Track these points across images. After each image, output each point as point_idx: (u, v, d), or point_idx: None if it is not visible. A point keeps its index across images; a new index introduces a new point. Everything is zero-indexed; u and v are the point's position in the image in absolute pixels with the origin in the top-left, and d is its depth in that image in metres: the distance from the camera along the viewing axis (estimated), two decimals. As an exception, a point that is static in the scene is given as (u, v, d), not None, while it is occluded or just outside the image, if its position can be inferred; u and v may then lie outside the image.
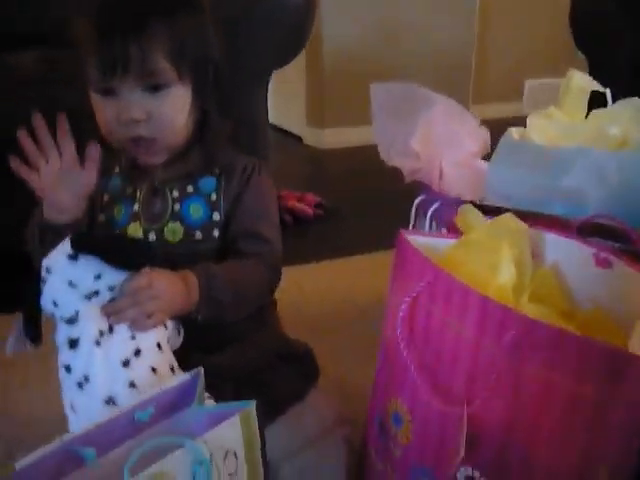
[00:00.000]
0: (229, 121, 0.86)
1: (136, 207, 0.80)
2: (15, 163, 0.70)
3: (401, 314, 0.53)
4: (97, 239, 0.67)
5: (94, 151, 0.71)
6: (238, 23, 1.30)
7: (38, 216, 0.75)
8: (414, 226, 1.01)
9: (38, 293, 0.63)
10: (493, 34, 2.93)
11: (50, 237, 0.73)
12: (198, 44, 0.76)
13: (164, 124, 0.76)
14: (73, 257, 0.62)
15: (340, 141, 2.57)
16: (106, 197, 0.81)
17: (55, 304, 0.63)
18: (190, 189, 0.81)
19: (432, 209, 0.96)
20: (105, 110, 0.75)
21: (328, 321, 1.15)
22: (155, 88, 0.74)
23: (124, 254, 0.64)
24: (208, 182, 0.82)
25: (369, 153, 1.10)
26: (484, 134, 1.00)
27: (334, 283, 1.31)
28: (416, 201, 1.02)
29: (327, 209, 1.74)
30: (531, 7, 2.93)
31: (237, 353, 0.79)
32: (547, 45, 2.93)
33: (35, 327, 0.64)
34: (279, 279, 0.83)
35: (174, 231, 0.80)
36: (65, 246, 0.63)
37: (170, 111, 0.76)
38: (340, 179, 2.19)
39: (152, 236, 0.79)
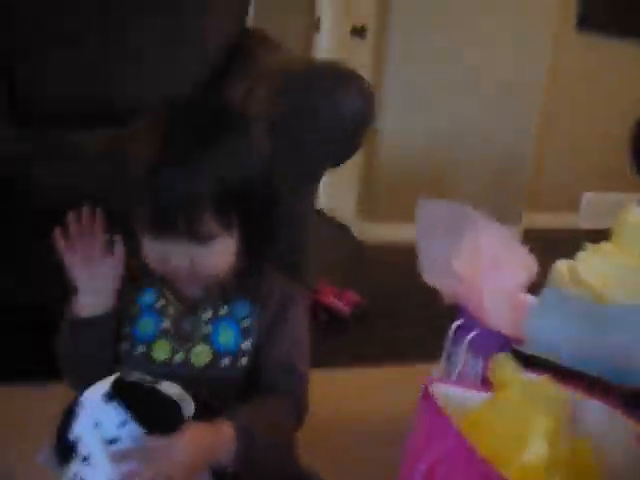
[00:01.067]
0: (274, 247, 0.82)
1: (167, 323, 0.79)
2: (59, 241, 0.74)
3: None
4: (137, 388, 0.66)
5: (119, 248, 0.76)
6: (292, 129, 1.33)
7: (68, 316, 0.76)
8: (449, 351, 0.97)
9: (69, 424, 0.64)
10: (552, 142, 2.92)
11: (84, 333, 0.74)
12: (246, 195, 0.74)
13: (207, 270, 0.75)
14: (108, 398, 0.63)
15: (389, 235, 2.56)
16: (137, 308, 0.80)
17: (77, 439, 0.63)
18: (223, 311, 0.80)
19: (469, 337, 0.92)
20: (150, 250, 0.75)
21: (341, 439, 1.10)
22: (203, 242, 0.72)
23: (154, 413, 0.63)
24: (243, 307, 0.80)
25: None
26: (531, 263, 0.97)
27: (354, 393, 1.26)
28: (454, 324, 0.98)
29: (365, 310, 1.70)
30: (592, 120, 2.93)
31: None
32: (606, 159, 2.90)
33: (63, 453, 0.64)
34: (306, 416, 0.80)
35: (202, 354, 0.77)
36: (105, 384, 0.63)
37: (214, 260, 0.75)
38: (384, 276, 2.15)
39: (180, 357, 0.77)
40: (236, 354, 0.78)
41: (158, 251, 0.73)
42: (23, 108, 1.62)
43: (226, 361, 0.77)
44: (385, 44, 2.47)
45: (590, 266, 0.87)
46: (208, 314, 0.79)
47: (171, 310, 0.79)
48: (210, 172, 0.71)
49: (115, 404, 0.62)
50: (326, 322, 1.63)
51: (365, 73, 2.44)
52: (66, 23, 1.66)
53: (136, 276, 0.80)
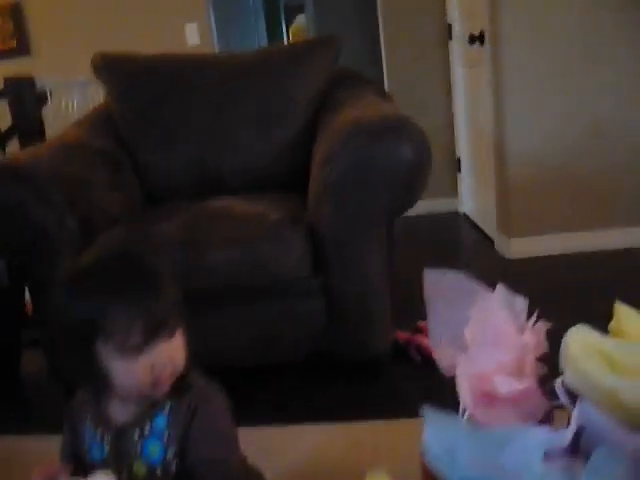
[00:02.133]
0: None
1: (106, 448, 0.88)
2: None
3: None
4: None
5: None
6: (347, 182, 1.39)
7: None
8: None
9: None
10: None
11: None
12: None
13: (177, 362, 0.85)
14: None
15: (527, 251, 2.43)
16: (86, 441, 0.91)
17: None
18: (147, 431, 0.87)
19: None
20: (136, 368, 0.81)
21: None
22: (170, 333, 0.83)
23: None
24: (160, 421, 0.87)
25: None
26: (538, 334, 0.91)
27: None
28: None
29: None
30: None
31: None
32: None
33: None
34: None
35: (140, 469, 0.87)
36: None
37: (181, 350, 0.86)
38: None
39: (125, 474, 0.87)
40: (166, 463, 0.86)
41: (145, 362, 0.81)
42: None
43: (159, 471, 0.87)
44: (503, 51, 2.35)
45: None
46: (136, 434, 0.87)
47: (105, 439, 0.89)
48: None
49: None
50: (418, 362, 1.63)
51: (487, 79, 2.39)
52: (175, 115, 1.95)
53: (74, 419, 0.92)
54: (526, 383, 0.85)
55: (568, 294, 2.04)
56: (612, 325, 0.89)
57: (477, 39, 2.57)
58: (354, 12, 4.09)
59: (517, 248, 2.45)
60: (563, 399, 0.80)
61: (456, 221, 3.21)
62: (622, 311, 0.88)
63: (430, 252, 2.78)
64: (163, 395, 0.86)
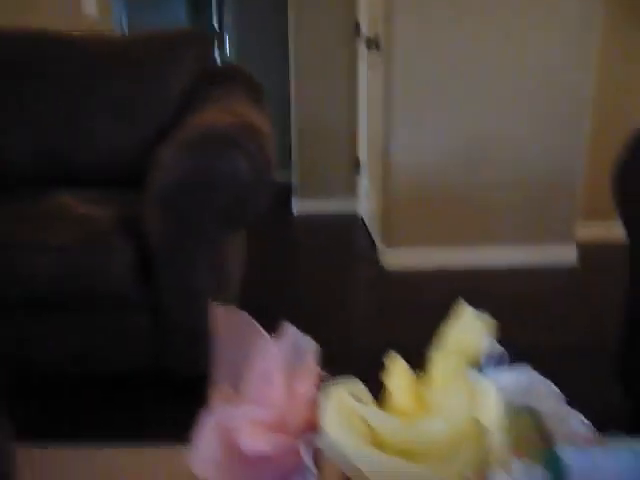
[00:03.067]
0: None
1: None
2: None
3: None
4: None
5: None
6: (175, 194, 1.32)
7: None
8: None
9: None
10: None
11: None
12: None
13: None
14: None
15: (404, 262, 2.44)
16: None
17: None
18: None
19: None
20: None
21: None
22: None
23: None
24: None
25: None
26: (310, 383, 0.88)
27: None
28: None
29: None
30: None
31: None
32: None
33: None
34: None
35: None
36: None
37: None
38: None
39: None
40: None
41: None
42: None
43: None
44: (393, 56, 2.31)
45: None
46: None
47: None
48: None
49: None
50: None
51: (379, 85, 2.35)
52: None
53: None
54: (276, 441, 0.81)
55: (434, 309, 2.07)
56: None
57: (373, 43, 2.52)
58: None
59: (394, 259, 2.45)
60: (307, 461, 0.77)
61: (353, 223, 3.20)
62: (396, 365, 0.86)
63: (316, 253, 2.77)
64: None
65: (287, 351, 0.96)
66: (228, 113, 1.55)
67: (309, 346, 0.99)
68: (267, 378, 0.89)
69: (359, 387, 0.85)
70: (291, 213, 3.34)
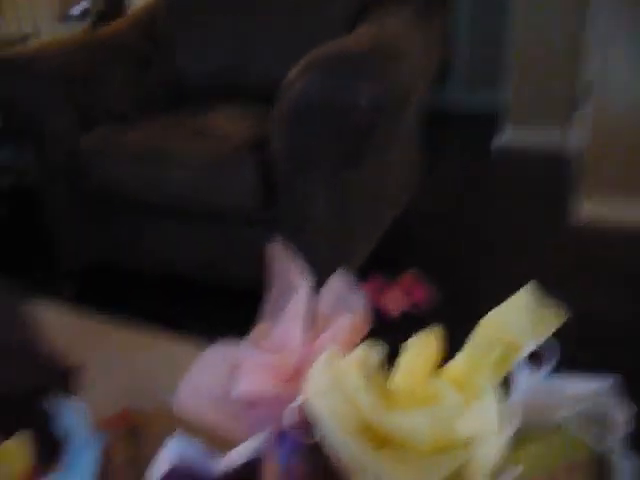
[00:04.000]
0: None
1: None
2: None
3: None
4: None
5: None
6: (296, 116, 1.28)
7: None
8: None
9: None
10: None
11: None
12: None
13: None
14: None
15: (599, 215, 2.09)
16: None
17: None
18: None
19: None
20: None
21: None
22: None
23: None
24: None
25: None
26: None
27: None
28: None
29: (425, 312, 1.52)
30: None
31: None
32: None
33: None
34: None
35: None
36: None
37: None
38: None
39: None
40: None
41: None
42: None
43: None
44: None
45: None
46: None
47: None
48: None
49: None
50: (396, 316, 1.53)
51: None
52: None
53: None
54: (274, 390, 0.77)
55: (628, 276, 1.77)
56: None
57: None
58: None
59: (592, 210, 2.12)
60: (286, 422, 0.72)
61: (559, 163, 2.82)
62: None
63: (505, 191, 2.52)
64: None
65: (327, 301, 0.90)
66: (372, 36, 1.44)
67: (357, 303, 0.92)
68: (290, 325, 0.85)
69: (377, 353, 0.77)
70: (489, 146, 3.08)
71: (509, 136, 3.02)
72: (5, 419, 0.66)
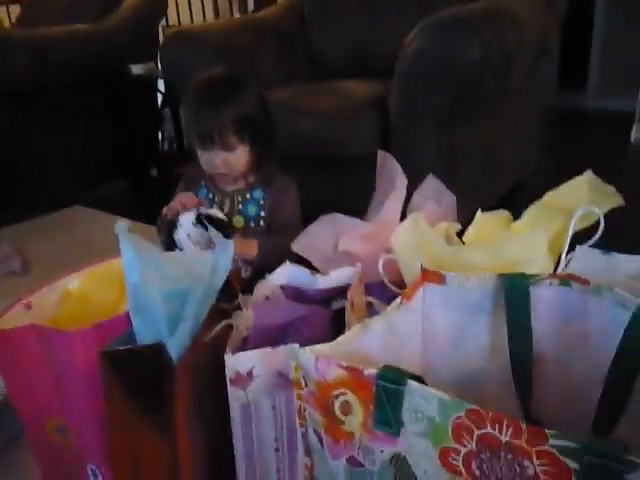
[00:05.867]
0: (275, 154, 1.35)
1: (214, 207, 1.35)
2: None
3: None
4: (209, 217, 1.23)
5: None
6: (412, 72, 1.47)
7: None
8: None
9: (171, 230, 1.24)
10: None
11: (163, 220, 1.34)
12: (251, 121, 1.26)
13: (233, 169, 1.29)
14: (195, 223, 1.22)
15: None
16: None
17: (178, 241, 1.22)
18: (247, 196, 1.35)
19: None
20: (202, 158, 1.29)
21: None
22: (228, 149, 1.25)
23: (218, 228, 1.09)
24: (257, 193, 1.35)
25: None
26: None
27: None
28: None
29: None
30: None
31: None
32: None
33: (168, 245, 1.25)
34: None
35: (237, 221, 1.35)
36: (191, 215, 1.21)
37: (236, 161, 1.29)
38: None
39: None
40: (257, 219, 1.33)
41: (205, 157, 1.27)
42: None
43: (252, 224, 1.33)
44: None
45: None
46: (239, 198, 1.34)
47: (216, 198, 1.37)
48: (231, 112, 1.23)
49: (198, 226, 1.21)
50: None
51: None
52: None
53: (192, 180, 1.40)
54: (365, 250, 0.95)
55: None
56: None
57: None
58: None
59: None
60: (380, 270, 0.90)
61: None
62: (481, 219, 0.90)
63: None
64: (255, 181, 1.35)
65: (423, 195, 1.08)
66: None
67: (448, 199, 1.08)
68: (389, 208, 1.03)
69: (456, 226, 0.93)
70: (628, 141, 3.03)
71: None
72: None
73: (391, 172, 1.10)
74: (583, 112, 3.98)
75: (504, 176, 1.93)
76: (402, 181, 1.05)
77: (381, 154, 1.14)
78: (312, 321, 0.66)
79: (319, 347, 0.54)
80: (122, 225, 0.69)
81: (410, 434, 0.49)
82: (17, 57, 2.17)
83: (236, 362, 0.65)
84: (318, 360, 0.52)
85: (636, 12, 3.61)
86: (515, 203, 1.00)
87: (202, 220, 1.21)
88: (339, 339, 0.56)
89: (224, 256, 0.77)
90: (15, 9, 3.54)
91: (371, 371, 0.50)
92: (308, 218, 1.45)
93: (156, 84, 2.61)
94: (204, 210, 1.24)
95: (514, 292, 0.63)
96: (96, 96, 2.48)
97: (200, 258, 0.76)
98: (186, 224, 1.22)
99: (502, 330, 0.67)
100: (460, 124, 1.57)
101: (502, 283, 0.64)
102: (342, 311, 0.76)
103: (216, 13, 3.70)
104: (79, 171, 2.50)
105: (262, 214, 1.34)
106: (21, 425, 0.90)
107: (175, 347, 0.66)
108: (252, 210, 1.34)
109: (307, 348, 0.54)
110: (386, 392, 0.49)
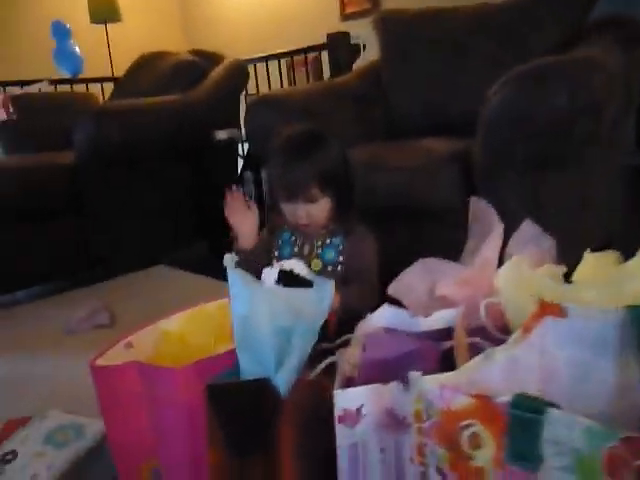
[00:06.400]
0: (355, 205, 1.38)
1: (296, 249, 1.40)
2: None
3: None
4: (289, 274, 1.21)
5: (253, 207, 1.41)
6: (495, 121, 1.46)
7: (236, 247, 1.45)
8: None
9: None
10: None
11: (241, 257, 1.37)
12: (333, 175, 1.32)
13: (315, 219, 1.33)
14: (277, 280, 1.18)
15: None
16: (279, 242, 1.43)
17: None
18: (327, 242, 1.38)
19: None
20: (286, 209, 1.35)
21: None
22: (311, 202, 1.30)
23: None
24: (336, 240, 1.38)
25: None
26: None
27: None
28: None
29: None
30: None
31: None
32: None
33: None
34: (375, 293, 1.27)
35: (316, 265, 1.37)
36: (274, 272, 1.17)
37: (319, 213, 1.33)
38: None
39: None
40: (335, 263, 1.35)
41: (289, 209, 1.32)
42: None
43: (330, 268, 1.35)
44: None
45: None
46: (319, 243, 1.37)
47: (298, 241, 1.40)
48: (315, 166, 1.29)
49: (280, 284, 1.16)
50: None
51: None
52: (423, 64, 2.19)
53: (276, 226, 1.44)
54: (463, 295, 0.91)
55: None
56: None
57: None
58: None
59: None
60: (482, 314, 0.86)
61: None
62: (590, 258, 0.86)
63: None
64: (336, 228, 1.37)
65: (519, 240, 1.04)
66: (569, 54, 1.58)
67: (547, 243, 1.04)
68: (488, 251, 1.00)
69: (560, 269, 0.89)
70: None
71: None
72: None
73: (486, 218, 1.08)
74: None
75: (593, 230, 1.86)
76: (499, 226, 1.03)
77: (474, 201, 1.12)
78: (424, 356, 0.63)
79: (443, 376, 0.52)
80: (229, 257, 0.70)
81: (551, 469, 0.44)
82: (109, 127, 2.33)
83: (345, 398, 0.62)
84: (443, 388, 0.49)
85: None
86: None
87: (284, 277, 1.17)
88: (460, 369, 0.53)
89: (326, 293, 0.76)
90: (109, 86, 3.83)
91: (504, 399, 0.46)
92: (391, 270, 1.45)
93: (237, 148, 2.72)
94: (288, 265, 1.22)
95: (646, 325, 0.58)
96: (183, 162, 2.61)
97: (302, 295, 0.75)
98: (268, 281, 1.16)
99: (631, 370, 0.61)
100: (549, 174, 1.53)
101: (631, 316, 0.59)
102: (449, 351, 0.72)
103: (293, 83, 3.89)
104: (163, 233, 2.60)
105: (340, 259, 1.36)
106: (115, 473, 0.90)
107: (283, 383, 0.64)
108: (330, 255, 1.36)
109: (430, 376, 0.51)
110: (522, 422, 0.45)
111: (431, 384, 0.50)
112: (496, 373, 0.56)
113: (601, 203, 1.92)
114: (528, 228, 1.06)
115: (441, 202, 1.62)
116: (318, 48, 3.28)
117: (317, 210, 1.31)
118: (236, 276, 0.67)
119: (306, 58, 3.51)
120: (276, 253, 1.41)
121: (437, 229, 1.67)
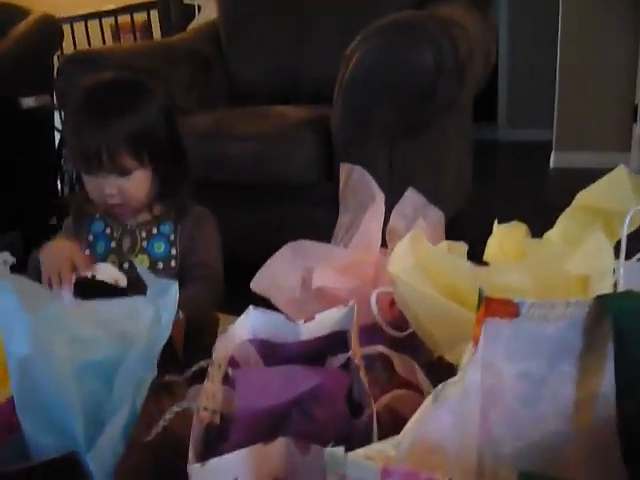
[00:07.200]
0: (187, 180, 1.07)
1: (113, 244, 1.06)
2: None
3: None
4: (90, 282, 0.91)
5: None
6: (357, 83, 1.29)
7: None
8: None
9: None
10: None
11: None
12: (152, 139, 0.99)
13: (130, 197, 1.00)
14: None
15: None
16: (90, 237, 1.07)
17: None
18: (154, 232, 1.06)
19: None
20: (89, 185, 1.00)
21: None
22: (122, 173, 0.97)
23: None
24: (165, 228, 1.06)
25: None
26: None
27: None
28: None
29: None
30: None
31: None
32: None
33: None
34: (222, 291, 1.05)
35: (142, 262, 1.04)
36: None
37: (135, 189, 1.00)
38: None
39: (125, 265, 1.02)
40: (167, 259, 1.05)
41: (94, 184, 0.98)
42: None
43: (160, 264, 1.04)
44: None
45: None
46: (143, 234, 1.05)
47: (115, 234, 1.06)
48: (124, 125, 0.96)
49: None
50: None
51: None
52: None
53: (83, 212, 1.08)
54: (348, 286, 0.73)
55: None
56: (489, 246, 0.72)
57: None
58: None
59: None
60: (373, 308, 0.68)
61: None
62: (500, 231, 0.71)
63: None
64: (163, 212, 1.06)
65: (403, 213, 0.88)
66: (428, 12, 1.46)
67: (435, 215, 0.89)
68: (369, 229, 0.82)
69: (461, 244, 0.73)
70: (547, 166, 3.04)
71: (560, 160, 3.01)
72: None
73: (362, 187, 0.89)
74: (496, 144, 4.09)
75: (451, 200, 1.79)
76: (380, 196, 0.85)
77: (346, 168, 0.93)
78: (327, 394, 0.41)
79: (377, 447, 0.30)
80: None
81: None
82: None
83: (207, 475, 0.39)
84: (387, 471, 0.28)
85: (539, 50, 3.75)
86: (457, 231, 0.83)
87: (89, 289, 0.87)
88: (407, 427, 0.33)
89: (167, 300, 0.51)
90: None
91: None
92: (237, 258, 1.24)
93: (52, 119, 2.28)
94: (100, 271, 0.92)
95: (628, 320, 0.42)
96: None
97: (129, 306, 0.50)
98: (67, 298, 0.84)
99: (598, 378, 0.46)
100: (412, 141, 1.40)
101: (605, 308, 0.43)
102: (345, 366, 0.52)
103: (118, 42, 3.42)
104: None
105: (173, 253, 1.06)
106: None
107: (98, 459, 0.39)
108: (160, 248, 1.05)
109: (360, 453, 0.30)
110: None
111: (366, 467, 0.28)
112: (446, 419, 0.36)
113: (457, 175, 1.86)
114: (412, 199, 0.90)
115: (299, 175, 1.42)
116: (146, 6, 2.90)
117: (132, 185, 0.98)
118: (7, 294, 0.39)
119: (133, 21, 3.09)
120: (87, 251, 1.05)
121: (297, 208, 1.47)
